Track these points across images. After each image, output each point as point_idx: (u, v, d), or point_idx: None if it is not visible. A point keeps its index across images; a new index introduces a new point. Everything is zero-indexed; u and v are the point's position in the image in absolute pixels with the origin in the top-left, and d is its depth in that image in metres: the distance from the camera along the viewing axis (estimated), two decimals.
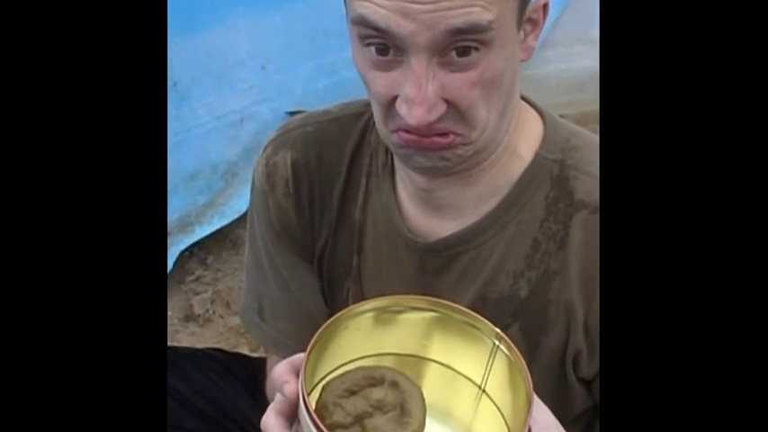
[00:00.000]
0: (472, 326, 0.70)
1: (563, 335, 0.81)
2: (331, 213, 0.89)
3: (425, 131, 0.72)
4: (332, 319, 0.68)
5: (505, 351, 0.68)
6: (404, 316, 0.71)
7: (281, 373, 0.65)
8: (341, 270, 0.90)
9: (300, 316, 0.95)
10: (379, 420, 0.66)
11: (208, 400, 1.09)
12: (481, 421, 0.71)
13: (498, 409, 0.70)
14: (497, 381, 0.69)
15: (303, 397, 0.63)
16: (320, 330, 0.67)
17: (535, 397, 0.64)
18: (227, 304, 1.98)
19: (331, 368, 0.71)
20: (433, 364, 0.73)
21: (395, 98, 0.72)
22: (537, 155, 0.82)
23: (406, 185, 0.85)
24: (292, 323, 0.96)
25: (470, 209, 0.83)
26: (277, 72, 2.04)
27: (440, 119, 0.71)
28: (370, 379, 0.70)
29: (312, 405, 0.65)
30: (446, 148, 0.74)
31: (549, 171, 0.81)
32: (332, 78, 2.12)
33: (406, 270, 0.86)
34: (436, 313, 0.71)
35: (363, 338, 0.71)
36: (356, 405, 0.67)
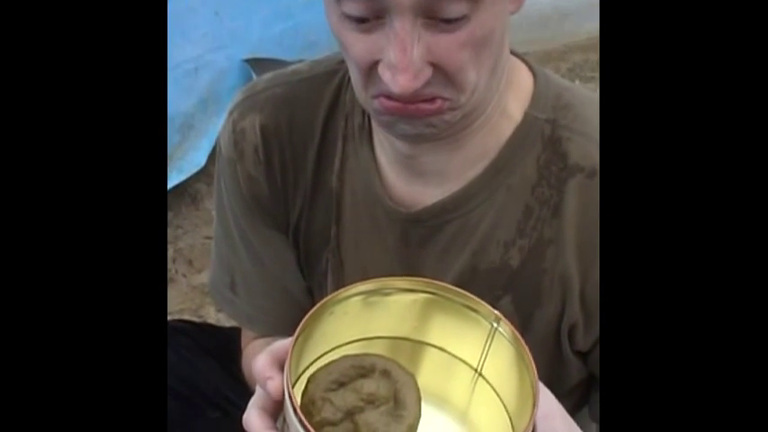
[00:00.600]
0: (468, 307, 0.65)
1: (558, 306, 0.77)
2: (305, 181, 0.83)
3: (410, 98, 0.66)
4: (316, 306, 0.63)
5: (504, 334, 0.63)
6: (394, 298, 0.66)
7: (263, 367, 0.60)
8: (318, 241, 0.84)
9: (276, 291, 0.89)
10: (371, 415, 0.61)
11: (179, 379, 1.04)
12: (478, 405, 0.66)
13: (496, 392, 0.65)
14: (495, 364, 0.65)
15: (289, 395, 0.58)
16: (304, 320, 0.62)
17: (540, 385, 0.60)
18: (190, 262, 1.91)
19: (316, 356, 0.66)
20: (426, 347, 0.68)
21: (376, 63, 0.65)
22: (527, 114, 0.76)
23: (386, 150, 0.79)
24: (268, 298, 0.90)
25: (456, 174, 0.77)
26: (231, 18, 1.94)
27: (426, 84, 0.65)
28: (360, 368, 0.65)
29: (298, 401, 0.60)
30: (433, 115, 0.68)
31: (540, 132, 0.76)
32: (289, 23, 2.03)
33: (387, 241, 0.81)
34: (429, 295, 0.66)
35: (350, 323, 0.66)
36: (346, 399, 0.61)
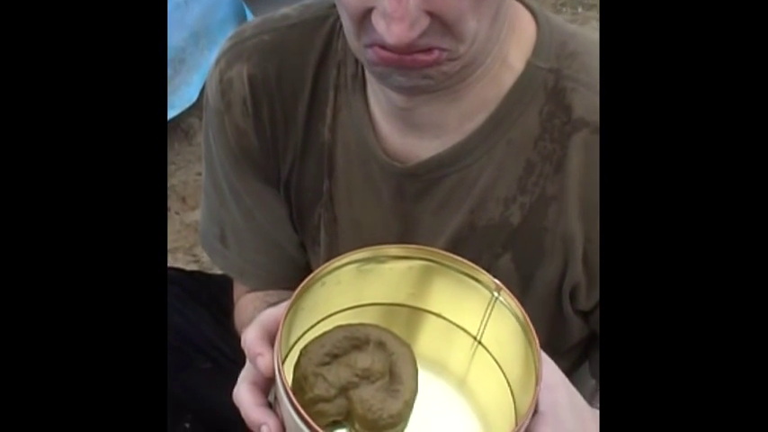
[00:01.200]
0: (468, 275, 0.62)
1: (560, 266, 0.74)
2: (296, 134, 0.79)
3: (406, 49, 0.61)
4: (306, 280, 0.60)
5: (505, 303, 0.60)
6: (389, 265, 0.63)
7: (252, 342, 0.57)
8: (310, 196, 0.81)
9: (267, 245, 0.86)
10: (365, 391, 0.59)
11: (169, 328, 1.02)
12: (476, 373, 0.64)
13: (495, 361, 0.63)
14: (494, 332, 0.63)
15: (280, 376, 0.55)
16: (294, 295, 0.59)
17: (543, 354, 0.57)
18: (183, 199, 1.88)
19: (308, 325, 0.63)
20: (424, 313, 0.66)
21: (369, 10, 0.61)
22: (529, 64, 0.72)
23: (380, 101, 0.75)
24: (259, 252, 0.87)
25: (454, 127, 0.73)
26: None
27: (423, 34, 0.61)
28: (353, 340, 0.62)
29: (289, 380, 0.57)
30: (430, 66, 0.64)
31: (543, 82, 0.72)
32: None
33: (382, 195, 0.77)
34: (426, 262, 0.63)
35: (343, 291, 0.63)
36: (339, 375, 0.59)
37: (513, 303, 0.60)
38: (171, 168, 1.91)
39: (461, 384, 0.64)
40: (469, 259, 0.75)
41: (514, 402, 0.61)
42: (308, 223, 0.82)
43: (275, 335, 0.57)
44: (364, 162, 0.77)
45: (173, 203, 1.85)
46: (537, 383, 0.56)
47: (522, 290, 0.75)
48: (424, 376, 0.62)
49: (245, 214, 0.85)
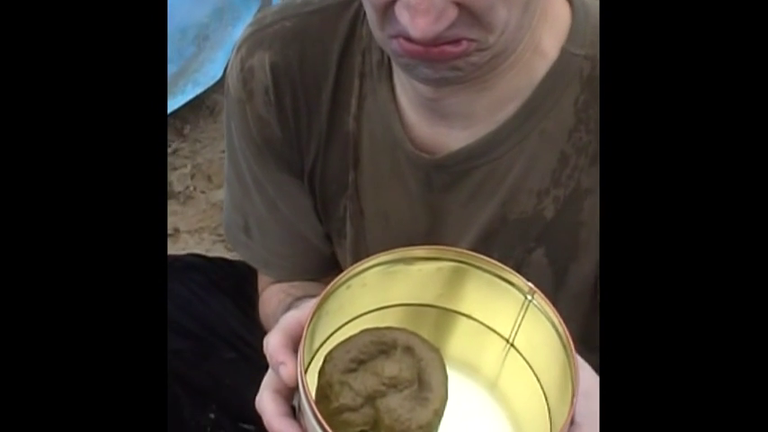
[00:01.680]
0: (500, 277, 0.59)
1: (595, 261, 0.71)
2: (320, 123, 0.76)
3: (432, 41, 0.58)
4: (329, 285, 0.58)
5: (539, 307, 0.58)
6: (417, 267, 0.61)
7: (275, 349, 0.55)
8: (335, 188, 0.78)
9: (292, 236, 0.84)
10: (393, 400, 0.56)
11: (192, 317, 1.00)
12: (508, 376, 0.62)
13: (528, 364, 0.60)
14: (527, 336, 0.60)
15: (303, 387, 0.53)
16: (317, 300, 0.57)
17: (579, 360, 0.54)
18: (209, 178, 1.86)
19: (333, 329, 0.61)
20: (453, 314, 0.63)
21: (393, 0, 0.58)
22: (563, 50, 0.68)
23: (407, 90, 0.72)
24: (284, 244, 0.85)
25: (484, 117, 0.70)
26: None
27: (450, 25, 0.57)
28: (380, 344, 0.59)
29: (313, 389, 0.55)
30: (458, 57, 0.61)
31: (578, 70, 0.68)
32: None
33: (409, 186, 0.74)
34: (456, 263, 0.60)
35: (369, 294, 0.61)
36: (366, 383, 0.57)
37: (548, 307, 0.57)
38: (196, 146, 1.90)
39: (493, 387, 0.62)
40: (501, 253, 0.73)
41: (548, 408, 0.58)
42: (334, 215, 0.80)
43: (299, 340, 0.55)
44: (391, 153, 0.74)
45: (198, 182, 1.83)
46: (573, 395, 0.53)
47: (555, 285, 0.72)
48: (454, 378, 0.60)
49: (268, 205, 0.82)
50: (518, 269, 0.72)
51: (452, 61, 0.61)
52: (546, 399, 0.59)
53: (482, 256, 0.59)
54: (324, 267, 0.86)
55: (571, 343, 0.55)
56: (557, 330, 0.56)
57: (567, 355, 0.55)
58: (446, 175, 0.73)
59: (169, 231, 1.68)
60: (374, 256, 0.59)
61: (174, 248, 1.65)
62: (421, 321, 0.62)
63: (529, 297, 0.58)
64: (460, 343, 0.63)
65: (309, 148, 0.77)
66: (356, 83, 0.74)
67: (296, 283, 0.86)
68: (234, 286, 1.02)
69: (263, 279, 0.91)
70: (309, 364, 0.59)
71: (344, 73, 0.74)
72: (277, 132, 0.77)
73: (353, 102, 0.74)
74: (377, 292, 0.61)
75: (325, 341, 0.60)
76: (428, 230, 0.75)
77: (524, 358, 0.61)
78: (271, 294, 0.88)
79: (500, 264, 0.59)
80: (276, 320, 0.82)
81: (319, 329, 0.59)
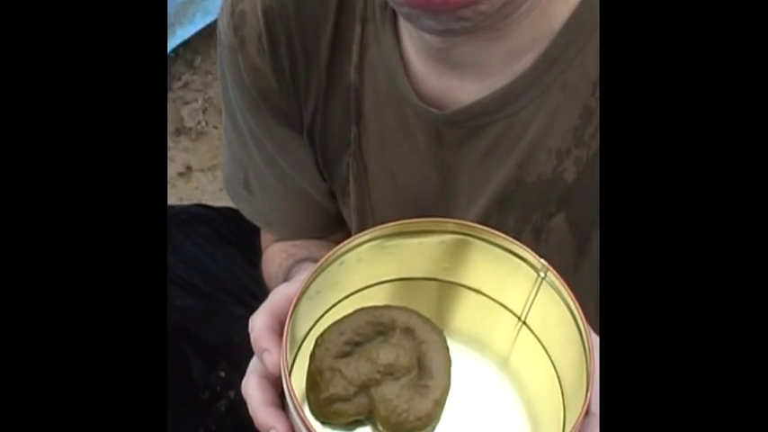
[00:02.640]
0: (510, 252, 0.54)
1: None
2: (319, 74, 0.69)
3: None
4: (321, 261, 0.52)
5: (552, 285, 0.52)
6: (417, 240, 0.55)
7: (259, 334, 0.50)
8: (336, 144, 0.72)
9: (293, 192, 0.78)
10: (389, 389, 0.52)
11: (199, 272, 0.96)
12: (520, 354, 0.57)
13: (541, 343, 0.55)
14: (541, 315, 0.55)
15: (287, 384, 0.48)
16: (304, 280, 0.51)
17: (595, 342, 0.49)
18: (221, 112, 1.80)
19: (325, 308, 0.56)
20: (459, 288, 0.58)
21: None
22: None
23: (413, 37, 0.65)
24: (285, 200, 0.79)
25: (499, 68, 0.63)
26: None
27: None
28: (377, 325, 0.55)
29: (302, 380, 0.50)
30: (465, 6, 0.54)
31: None
32: None
33: (418, 143, 0.68)
34: (462, 236, 0.55)
35: (365, 269, 0.56)
36: (359, 370, 0.52)
37: (562, 287, 0.52)
38: (207, 79, 1.83)
39: (504, 365, 0.57)
40: (518, 218, 0.67)
41: (561, 390, 0.54)
42: (336, 173, 0.74)
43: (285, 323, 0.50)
44: (397, 107, 0.67)
45: (210, 117, 1.77)
46: (588, 385, 0.48)
47: (577, 253, 0.66)
48: (463, 353, 0.56)
49: (267, 160, 0.76)
50: (537, 235, 0.66)
51: (458, 11, 0.54)
52: (559, 381, 0.54)
53: (490, 229, 0.54)
54: (329, 225, 0.81)
55: (587, 327, 0.50)
56: (572, 312, 0.51)
57: (583, 340, 0.50)
58: (458, 132, 0.66)
59: (181, 170, 1.63)
60: (370, 230, 0.54)
61: (186, 188, 1.61)
62: (423, 296, 0.57)
63: (542, 274, 0.53)
64: (469, 318, 0.58)
65: (308, 101, 0.71)
66: (357, 29, 0.67)
67: (299, 242, 0.81)
68: (242, 238, 0.97)
69: (266, 236, 0.86)
70: (300, 346, 0.54)
71: (345, 17, 0.67)
72: (272, 83, 0.70)
73: (355, 50, 0.67)
74: (374, 266, 0.56)
75: (317, 321, 0.55)
76: (439, 190, 0.69)
77: (537, 337, 0.55)
78: (273, 254, 0.83)
79: (509, 237, 0.53)
80: (278, 284, 0.77)
81: (311, 308, 0.54)
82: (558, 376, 0.54)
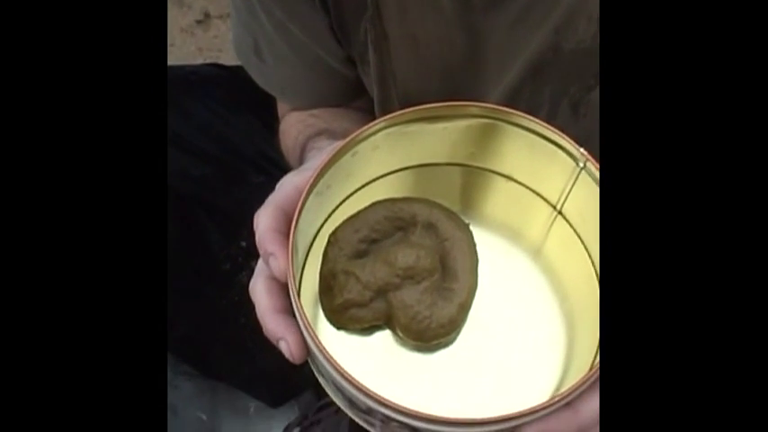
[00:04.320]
0: (545, 138, 0.48)
1: None
2: None
3: None
4: (330, 153, 0.47)
5: (591, 175, 0.47)
6: (441, 125, 0.49)
7: (264, 235, 0.46)
8: (353, 7, 0.64)
9: (308, 59, 0.72)
10: (409, 294, 0.47)
11: (214, 140, 0.91)
12: (555, 246, 0.52)
13: (578, 235, 0.50)
14: (577, 206, 0.50)
15: (293, 295, 0.44)
16: (315, 172, 0.46)
17: None
18: None
19: (338, 201, 0.51)
20: (488, 174, 0.52)
21: None
22: None
23: None
24: (299, 68, 0.73)
25: None
26: None
27: None
28: (396, 221, 0.50)
29: (304, 306, 0.46)
30: None
31: None
32: None
33: (443, 5, 0.61)
34: (492, 120, 0.49)
35: (382, 158, 0.50)
36: (376, 274, 0.47)
37: (594, 169, 0.47)
38: None
39: (537, 254, 0.52)
40: (555, 90, 0.60)
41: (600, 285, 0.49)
42: (354, 39, 0.67)
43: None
44: None
45: None
46: None
47: None
48: (492, 240, 0.52)
49: (277, 26, 0.69)
50: (575, 109, 0.60)
51: None
52: (596, 274, 0.49)
53: (522, 114, 0.48)
54: (349, 92, 0.74)
55: None
56: None
57: None
58: None
59: (199, 17, 1.55)
60: (386, 117, 0.48)
61: (205, 36, 1.53)
62: (447, 184, 0.52)
63: (581, 164, 0.47)
64: (499, 205, 0.53)
65: None
66: None
67: (316, 112, 0.75)
68: (260, 101, 0.91)
69: (282, 105, 0.80)
70: (312, 244, 0.50)
71: None
72: None
73: None
74: (392, 155, 0.50)
75: (330, 215, 0.51)
76: (467, 57, 0.62)
77: (574, 229, 0.51)
78: (289, 124, 0.77)
79: (545, 123, 0.48)
80: (296, 159, 0.72)
81: (322, 203, 0.49)
82: (595, 272, 0.49)
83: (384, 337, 0.49)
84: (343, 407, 0.45)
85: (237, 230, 0.91)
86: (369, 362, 0.48)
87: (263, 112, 0.90)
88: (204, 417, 1.02)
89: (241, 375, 0.96)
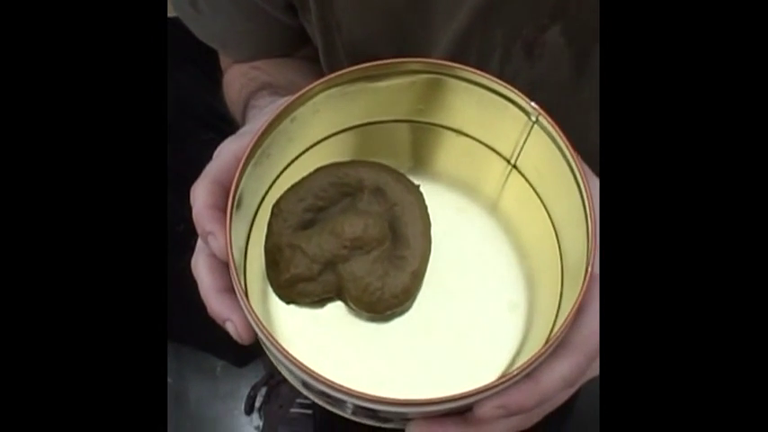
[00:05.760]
0: (493, 91, 0.45)
1: None
2: None
3: None
4: (264, 123, 0.44)
5: (544, 129, 0.44)
6: (384, 83, 0.47)
7: (200, 215, 0.43)
8: None
9: (245, 9, 0.68)
10: (359, 265, 0.45)
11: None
12: (511, 199, 0.50)
13: (534, 189, 0.48)
14: (532, 161, 0.48)
15: (234, 277, 0.42)
16: (249, 145, 0.43)
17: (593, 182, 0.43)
18: None
19: (280, 169, 0.48)
20: (437, 130, 0.50)
21: None
22: None
23: None
24: (238, 19, 0.69)
25: None
26: None
27: None
28: (342, 187, 0.47)
29: (245, 288, 0.43)
30: None
31: None
32: None
33: None
34: (437, 76, 0.46)
35: (324, 121, 0.48)
36: (323, 246, 0.45)
37: (557, 134, 0.44)
38: None
39: (493, 209, 0.50)
40: (507, 32, 0.57)
41: (559, 245, 0.47)
42: None
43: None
44: None
45: None
46: (590, 256, 0.41)
47: (576, 70, 0.57)
48: (447, 196, 0.50)
49: None
50: (529, 51, 0.57)
51: None
52: (556, 233, 0.47)
53: (467, 68, 0.45)
54: (293, 42, 0.71)
55: (585, 179, 0.43)
56: (569, 164, 0.44)
57: (581, 195, 0.43)
58: None
59: None
60: (324, 78, 0.45)
61: None
62: (395, 141, 0.50)
63: (533, 118, 0.45)
64: (451, 160, 0.50)
65: None
66: None
67: (259, 63, 0.71)
68: (206, 53, 0.87)
69: (224, 59, 0.76)
70: (255, 216, 0.47)
71: None
72: None
73: None
74: (334, 116, 0.47)
75: (272, 184, 0.48)
76: (412, 4, 0.59)
77: (530, 183, 0.48)
78: (232, 77, 0.73)
79: (493, 77, 0.45)
80: (239, 114, 0.69)
81: (263, 173, 0.46)
82: (554, 230, 0.47)
83: (337, 307, 0.47)
84: (299, 387, 0.43)
85: (189, 190, 0.87)
86: (322, 335, 0.46)
87: (208, 65, 0.86)
88: (170, 380, 1.00)
89: (205, 337, 0.94)
